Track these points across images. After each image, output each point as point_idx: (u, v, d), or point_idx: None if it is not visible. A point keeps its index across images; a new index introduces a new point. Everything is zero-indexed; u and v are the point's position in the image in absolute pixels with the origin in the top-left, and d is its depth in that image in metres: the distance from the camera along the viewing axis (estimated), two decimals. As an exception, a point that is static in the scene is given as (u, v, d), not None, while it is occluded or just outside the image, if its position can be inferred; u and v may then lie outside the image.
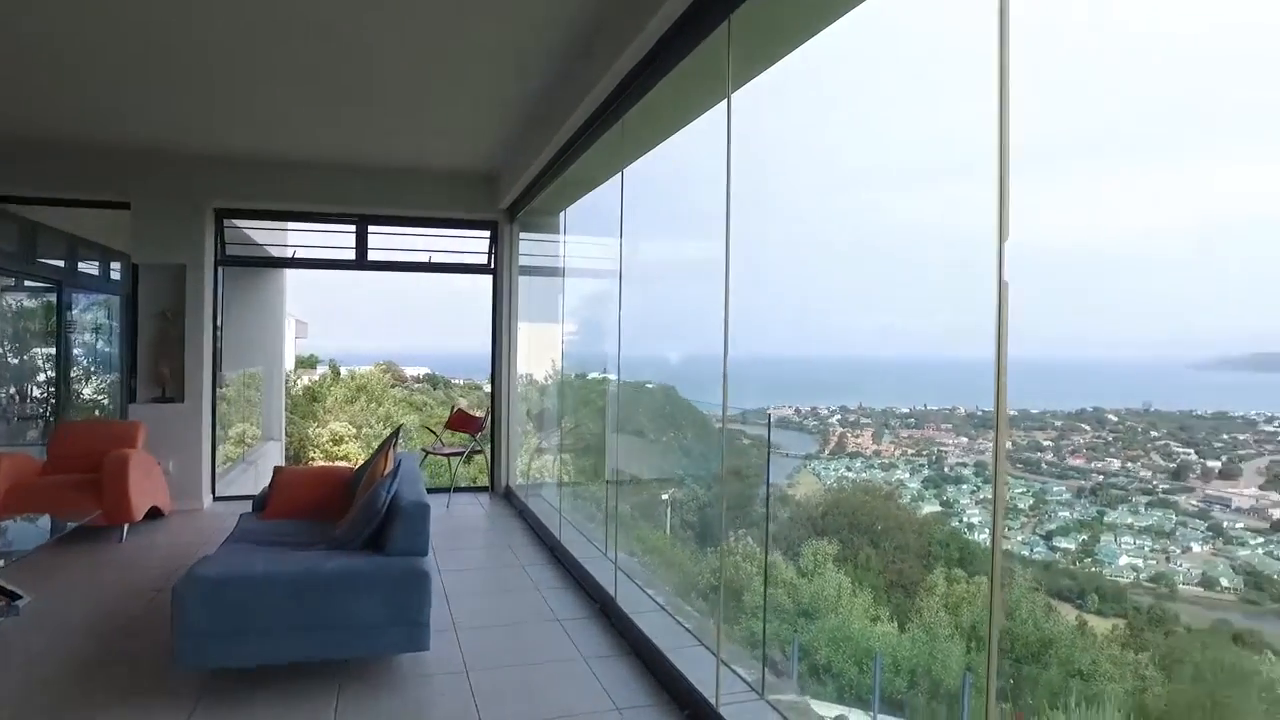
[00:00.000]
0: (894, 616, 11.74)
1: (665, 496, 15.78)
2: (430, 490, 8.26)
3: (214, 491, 7.52)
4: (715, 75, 3.38)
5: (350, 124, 6.06)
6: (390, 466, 4.25)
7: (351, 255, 8.03)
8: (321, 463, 15.11)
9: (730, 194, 3.12)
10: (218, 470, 7.98)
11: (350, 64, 4.68)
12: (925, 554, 17.05)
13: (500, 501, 7.78)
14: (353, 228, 8.00)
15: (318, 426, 16.49)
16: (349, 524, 3.79)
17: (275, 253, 8.71)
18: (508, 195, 7.39)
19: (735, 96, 3.28)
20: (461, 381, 25.52)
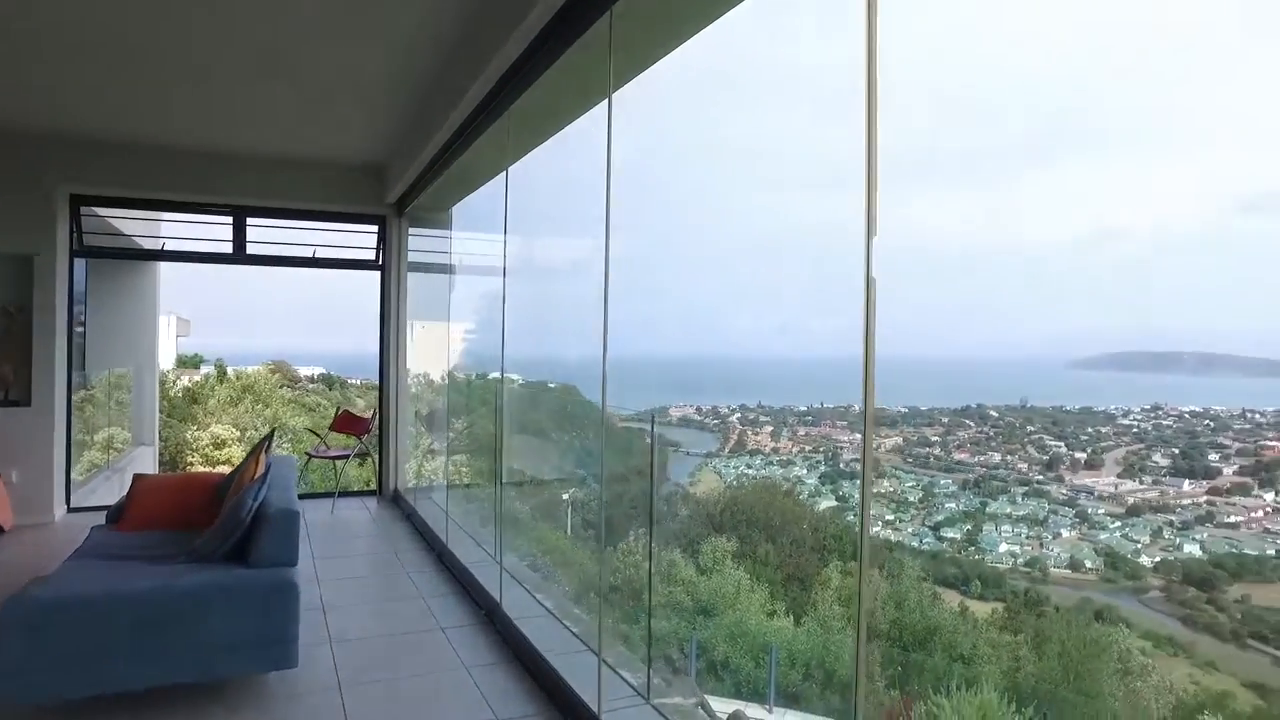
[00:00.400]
0: (790, 610, 12.01)
1: (566, 497, 15.65)
2: (315, 496, 7.88)
3: (69, 503, 6.93)
4: (600, 73, 3.31)
5: (218, 108, 5.68)
6: (260, 471, 3.99)
7: (229, 249, 7.57)
8: (201, 468, 14.25)
9: (610, 198, 3.07)
10: (78, 479, 7.37)
11: (206, 40, 4.36)
12: (821, 548, 17.58)
13: (388, 506, 7.49)
14: (229, 219, 7.54)
15: (197, 430, 15.55)
16: (210, 535, 3.53)
17: (145, 245, 8.12)
18: (395, 189, 7.13)
19: (619, 96, 3.23)
20: (359, 381, 24.68)
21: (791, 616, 11.19)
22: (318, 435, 8.26)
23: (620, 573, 12.76)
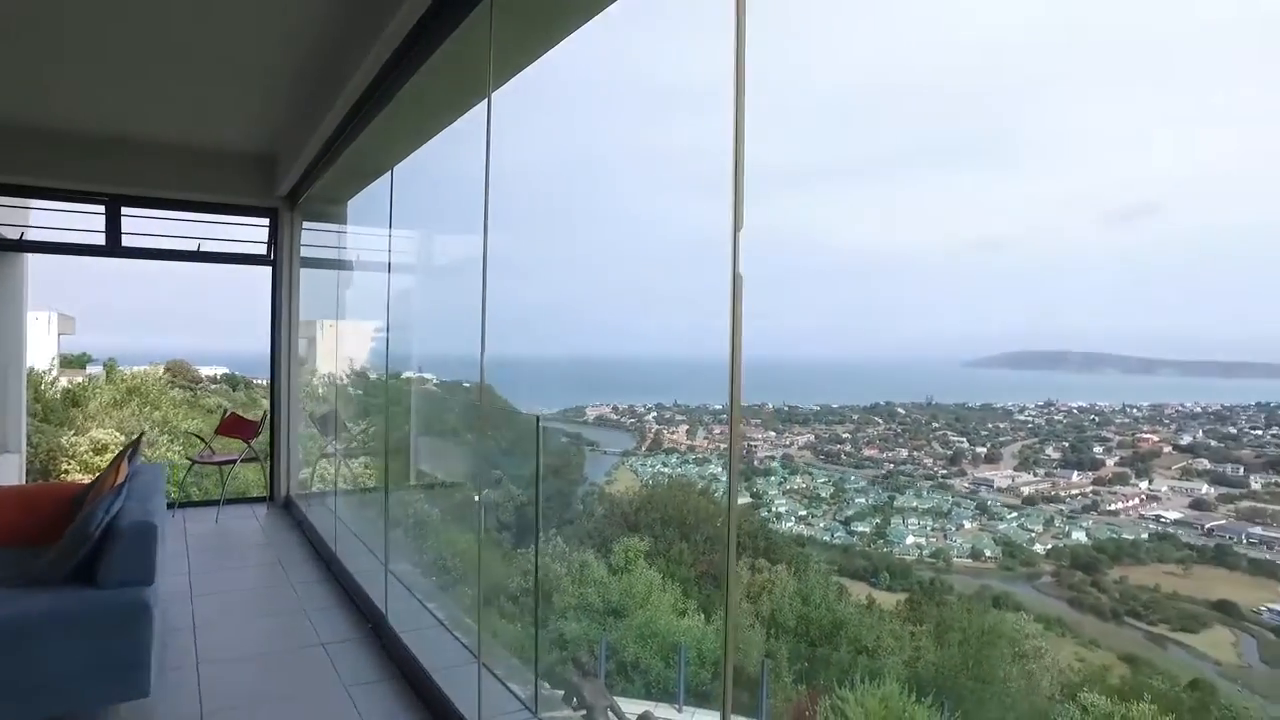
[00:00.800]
0: (702, 608, 12.05)
1: (479, 498, 15.37)
2: (198, 504, 7.43)
3: (-87, 517, 6.30)
4: (483, 70, 3.18)
5: (96, 89, 5.25)
6: (119, 480, 3.67)
7: (102, 240, 7.04)
8: (77, 476, 13.31)
9: (489, 195, 2.95)
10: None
11: (83, 15, 4.00)
12: (735, 544, 17.82)
13: (279, 513, 7.12)
14: (102, 209, 7.02)
15: (75, 434, 14.51)
16: (53, 552, 3.21)
17: (6, 234, 7.47)
18: (286, 181, 6.77)
19: (501, 94, 3.12)
20: (264, 382, 23.65)
21: (703, 615, 11.22)
22: (202, 440, 7.78)
23: (531, 576, 12.54)
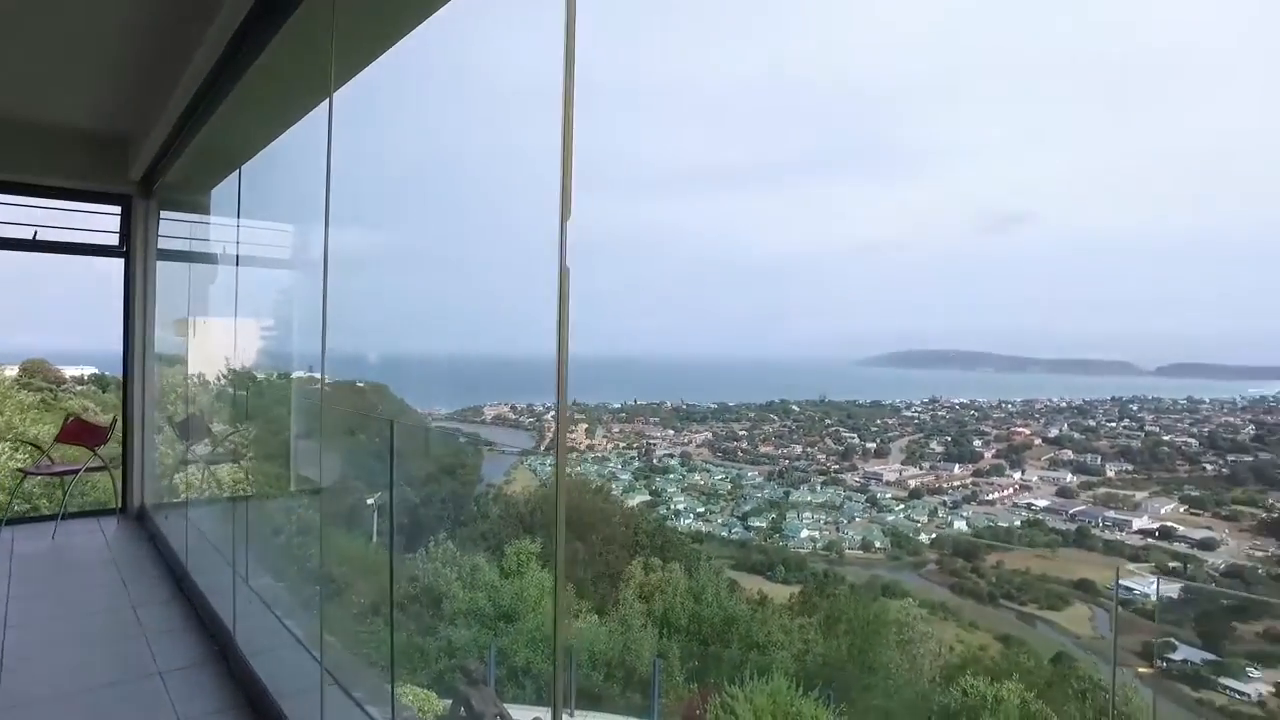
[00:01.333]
0: (596, 609, 11.94)
1: (371, 502, 14.85)
2: (35, 520, 6.75)
3: None
4: (328, 58, 2.96)
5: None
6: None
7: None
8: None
9: (329, 193, 2.74)
10: None
11: None
12: (631, 544, 17.76)
13: (130, 527, 6.55)
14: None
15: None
16: None
17: None
18: (138, 165, 6.22)
19: (350, 90, 2.92)
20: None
21: (598, 616, 11.11)
22: (39, 448, 7.08)
23: (419, 581, 12.14)
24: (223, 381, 7.37)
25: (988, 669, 14.76)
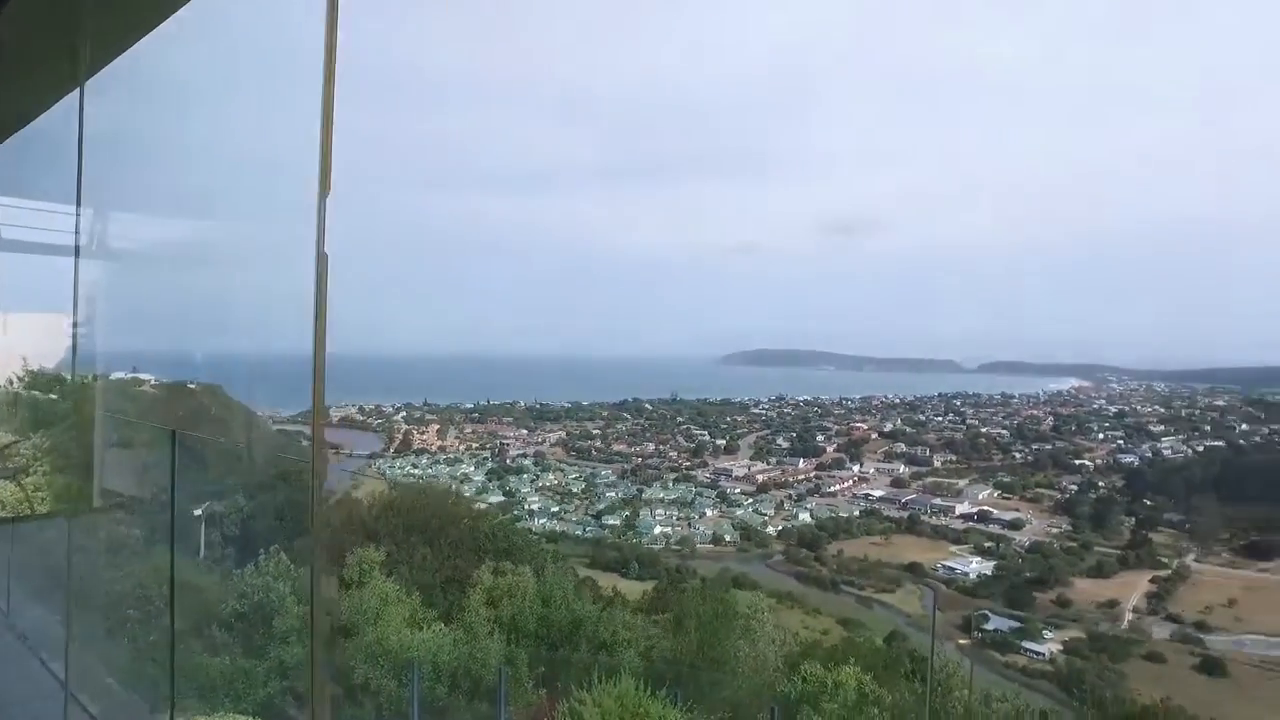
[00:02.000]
0: (442, 617, 11.48)
1: (199, 512, 13.68)
2: None
3: None
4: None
5: None
6: None
7: None
8: None
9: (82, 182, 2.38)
10: None
11: None
12: (480, 547, 17.26)
13: None
14: None
15: None
16: None
17: None
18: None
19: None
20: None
21: (444, 624, 10.66)
22: None
23: (249, 598, 11.25)
24: (16, 385, 6.47)
25: (829, 653, 15.47)
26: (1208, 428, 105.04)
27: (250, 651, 10.34)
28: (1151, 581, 60.86)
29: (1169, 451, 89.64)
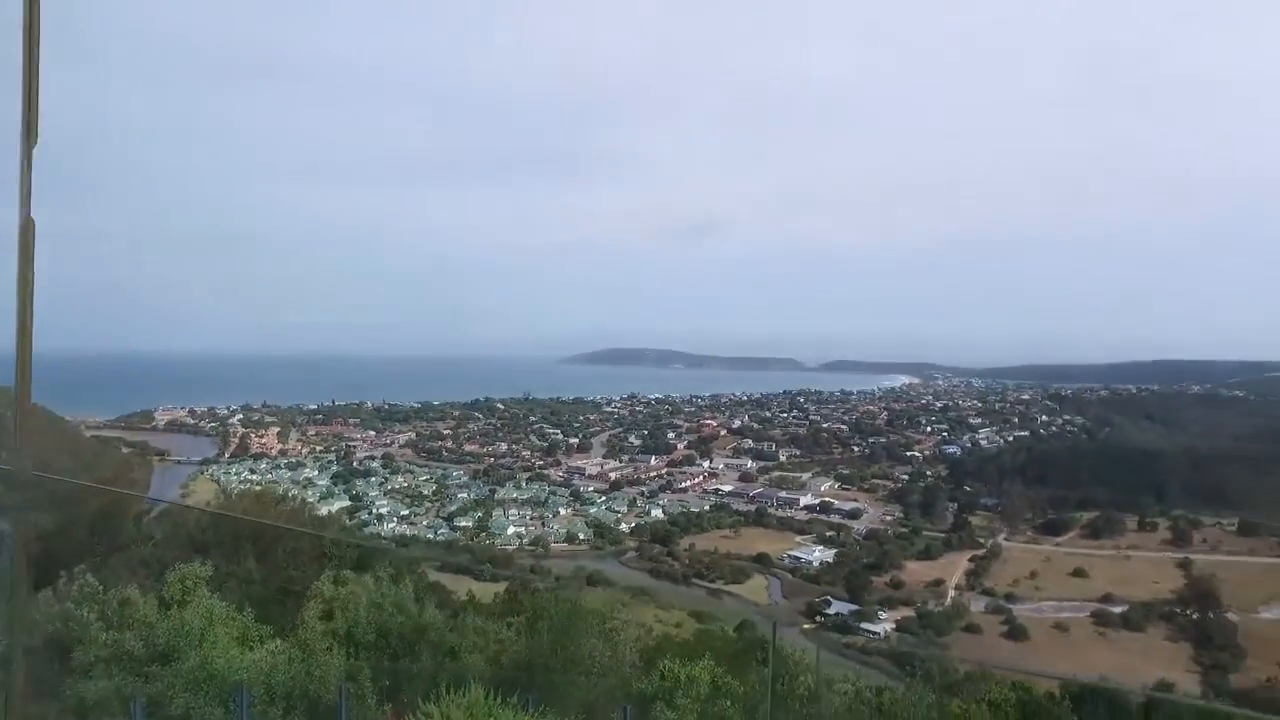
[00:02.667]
0: (278, 633, 10.68)
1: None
2: None
3: None
4: None
5: None
6: None
7: None
8: None
9: None
10: None
11: None
12: (322, 556, 16.25)
13: None
14: None
15: None
16: None
17: None
18: None
19: None
20: None
21: (279, 640, 9.90)
22: None
23: (41, 627, 9.99)
24: None
25: (683, 647, 15.71)
26: (1016, 420, 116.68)
27: (39, 692, 9.20)
28: (970, 560, 66.77)
29: (985, 442, 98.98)
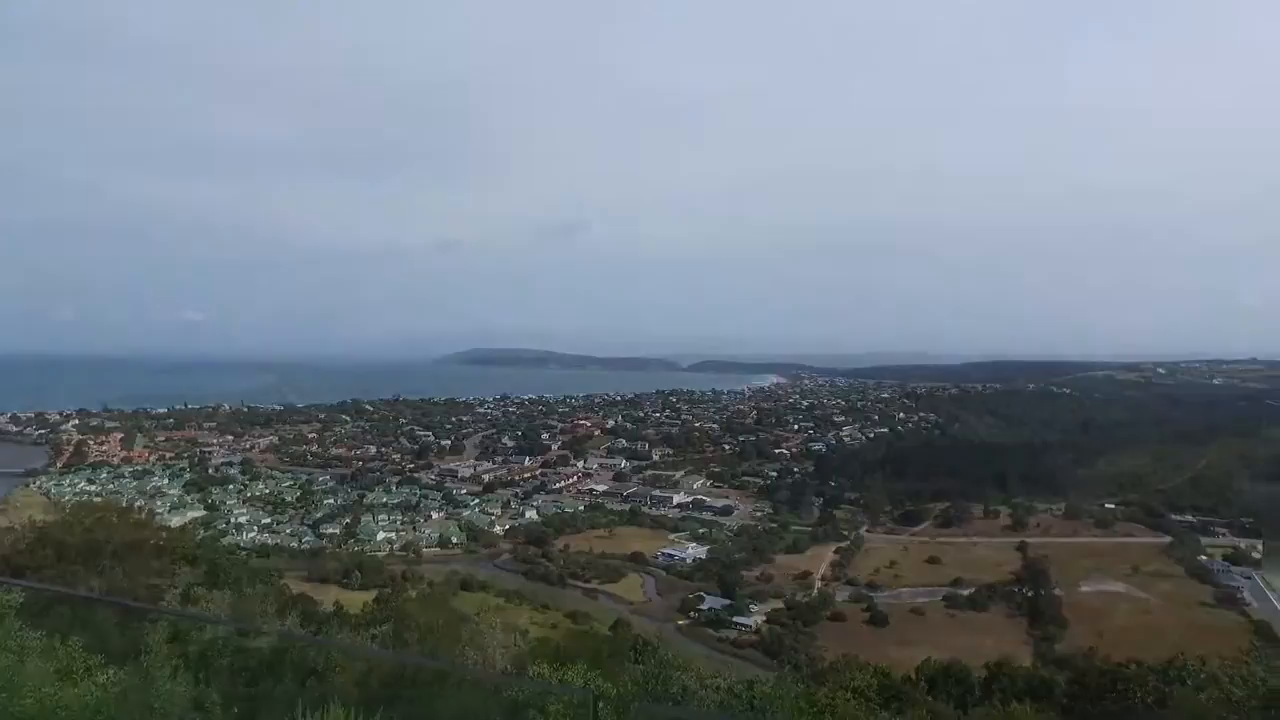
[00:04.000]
0: (115, 662, 9.80)
1: None
2: None
3: None
4: None
5: None
6: None
7: None
8: None
9: None
10: None
11: None
12: (170, 572, 15.07)
13: None
14: None
15: None
16: None
17: None
18: None
19: None
20: None
21: (114, 670, 9.08)
22: None
23: None
24: None
25: (559, 648, 15.56)
26: (877, 417, 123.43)
27: None
28: (835, 552, 70.08)
29: (849, 439, 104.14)
